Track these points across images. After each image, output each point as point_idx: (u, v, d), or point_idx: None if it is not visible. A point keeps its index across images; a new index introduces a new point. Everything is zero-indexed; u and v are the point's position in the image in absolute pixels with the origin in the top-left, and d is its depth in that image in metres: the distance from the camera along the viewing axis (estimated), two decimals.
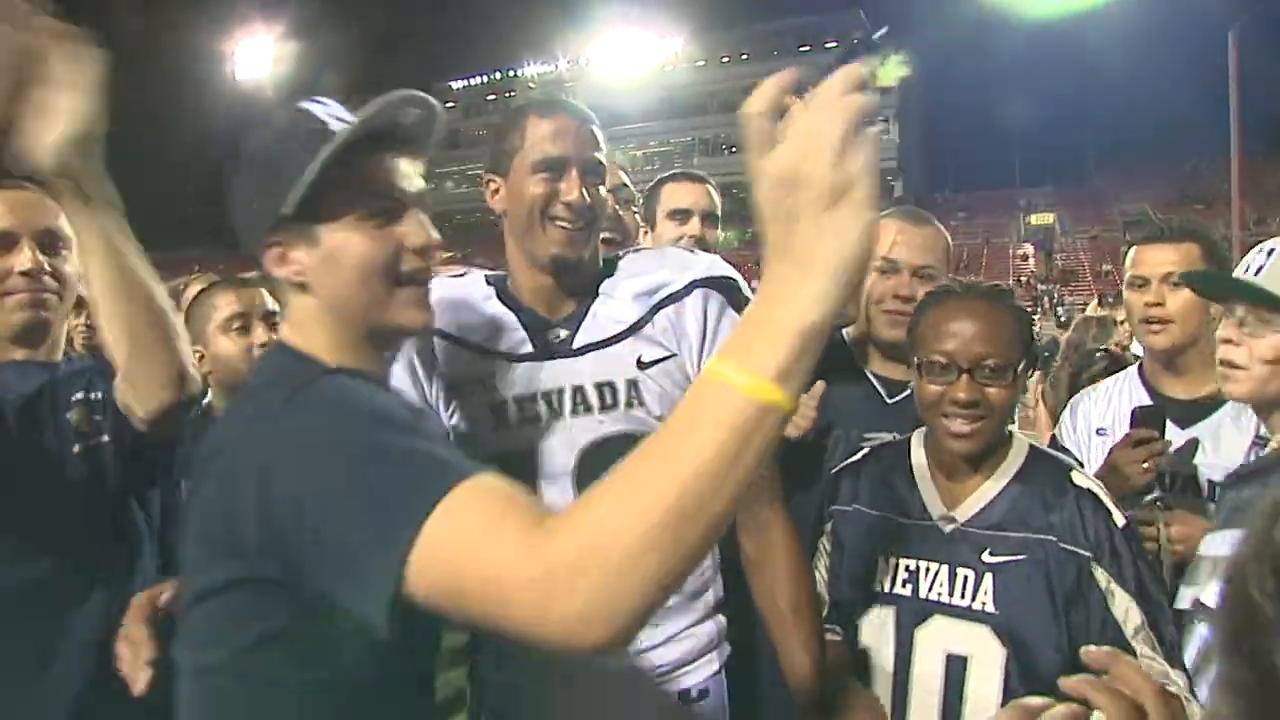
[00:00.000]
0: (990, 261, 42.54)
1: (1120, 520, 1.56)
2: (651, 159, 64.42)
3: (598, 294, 1.63)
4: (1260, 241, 1.67)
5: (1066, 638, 1.50)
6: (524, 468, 1.52)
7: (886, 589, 1.63)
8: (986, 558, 1.56)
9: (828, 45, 59.64)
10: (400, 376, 1.53)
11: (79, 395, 1.66)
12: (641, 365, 1.59)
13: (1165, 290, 2.10)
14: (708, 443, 0.74)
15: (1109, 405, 2.26)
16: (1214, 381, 1.71)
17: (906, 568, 1.62)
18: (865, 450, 1.82)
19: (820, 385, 1.92)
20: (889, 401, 2.11)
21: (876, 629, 1.62)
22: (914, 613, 1.59)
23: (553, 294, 1.59)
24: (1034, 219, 51.79)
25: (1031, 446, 1.68)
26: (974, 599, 1.55)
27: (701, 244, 2.46)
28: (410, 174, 1.15)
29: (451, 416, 1.56)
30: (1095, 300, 6.83)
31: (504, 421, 1.55)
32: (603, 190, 1.59)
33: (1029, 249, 43.01)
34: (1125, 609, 1.49)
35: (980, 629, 1.53)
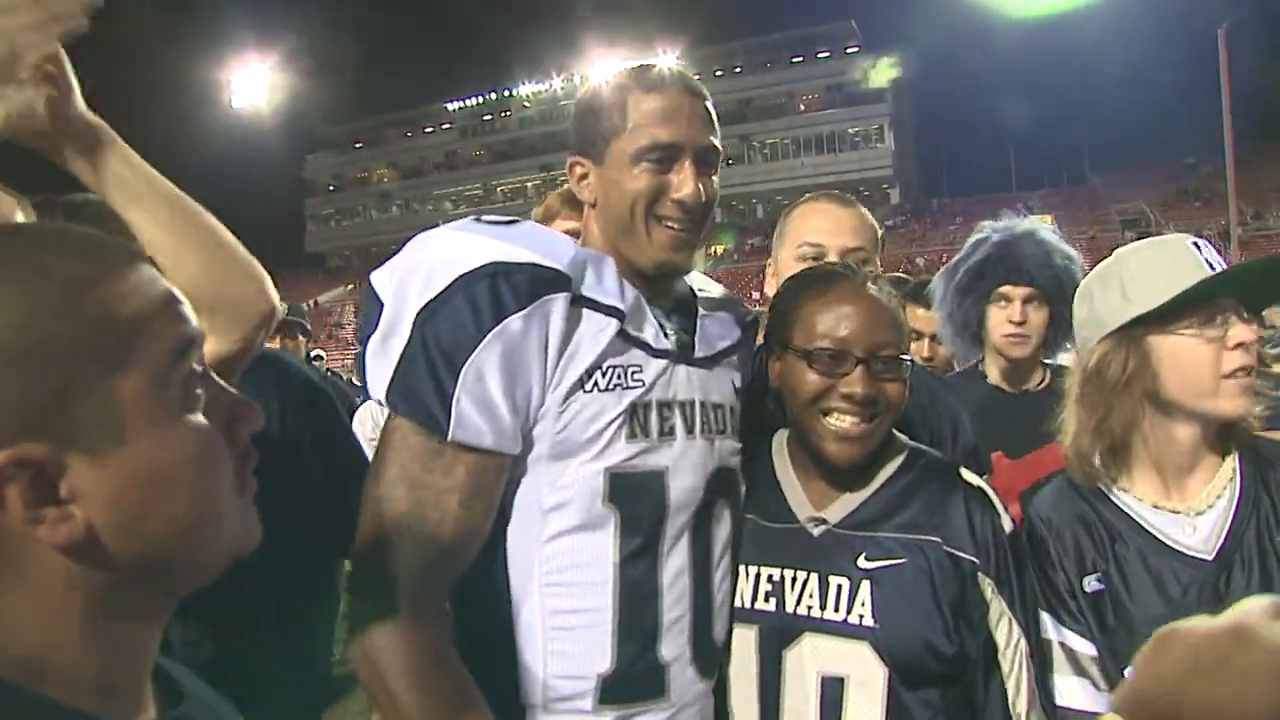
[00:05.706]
0: None
1: (1008, 524, 1.38)
2: None
3: (694, 301, 1.43)
4: (1258, 236, 1.62)
5: (957, 650, 1.30)
6: (653, 490, 1.26)
7: (747, 604, 1.39)
8: (862, 563, 1.34)
9: (819, 55, 59.89)
10: (529, 339, 1.17)
11: None
12: (735, 390, 1.44)
13: None
14: None
15: None
16: None
17: (770, 578, 1.38)
18: None
19: None
20: None
21: (737, 653, 1.38)
22: (780, 631, 1.36)
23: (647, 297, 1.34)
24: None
25: (912, 445, 1.47)
26: (850, 611, 1.33)
27: None
28: None
29: (570, 400, 1.21)
30: None
31: (643, 429, 1.25)
32: (715, 181, 1.34)
33: None
34: (1002, 622, 1.32)
35: (858, 646, 1.32)
